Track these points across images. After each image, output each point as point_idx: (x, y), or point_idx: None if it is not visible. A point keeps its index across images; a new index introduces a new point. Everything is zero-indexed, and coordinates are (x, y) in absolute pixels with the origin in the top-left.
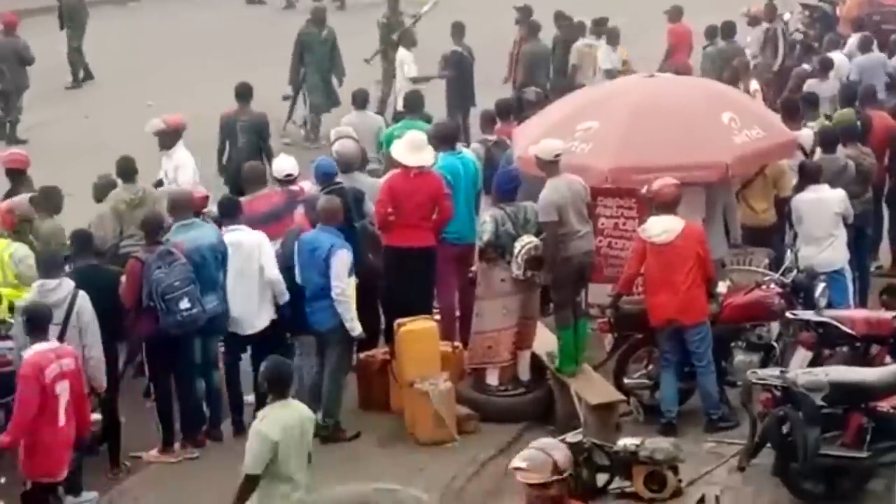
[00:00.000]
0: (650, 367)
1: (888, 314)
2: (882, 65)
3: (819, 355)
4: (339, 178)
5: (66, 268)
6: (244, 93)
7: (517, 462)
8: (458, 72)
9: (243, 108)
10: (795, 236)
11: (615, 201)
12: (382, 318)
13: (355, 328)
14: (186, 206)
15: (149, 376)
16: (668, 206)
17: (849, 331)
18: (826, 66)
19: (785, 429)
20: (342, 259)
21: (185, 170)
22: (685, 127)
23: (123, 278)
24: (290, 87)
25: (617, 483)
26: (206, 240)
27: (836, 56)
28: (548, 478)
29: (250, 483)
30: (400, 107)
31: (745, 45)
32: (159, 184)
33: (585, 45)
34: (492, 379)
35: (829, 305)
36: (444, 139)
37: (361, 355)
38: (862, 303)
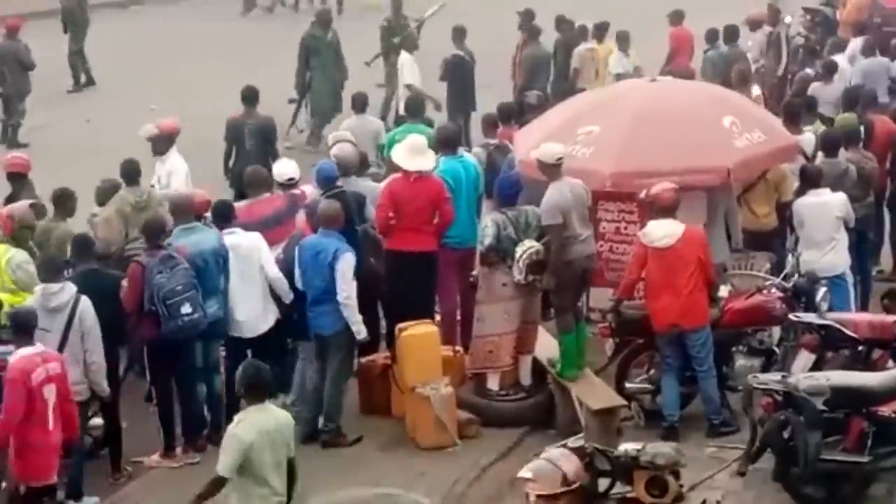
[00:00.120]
0: (651, 371)
1: (890, 318)
2: (885, 69)
3: (821, 359)
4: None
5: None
6: (251, 96)
7: (524, 472)
8: (459, 76)
9: (250, 111)
10: (797, 240)
11: (616, 205)
12: (382, 323)
13: (361, 331)
14: (188, 210)
15: (150, 381)
16: (667, 210)
17: (851, 334)
18: (830, 70)
19: (786, 433)
20: (348, 262)
21: (178, 175)
22: (686, 131)
23: (124, 282)
24: (293, 91)
25: (618, 488)
26: (208, 244)
27: (839, 60)
28: (556, 489)
29: (217, 484)
30: (402, 111)
31: (745, 50)
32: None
33: (587, 49)
34: (493, 384)
35: (831, 310)
36: (446, 143)
37: (363, 360)
38: (863, 307)
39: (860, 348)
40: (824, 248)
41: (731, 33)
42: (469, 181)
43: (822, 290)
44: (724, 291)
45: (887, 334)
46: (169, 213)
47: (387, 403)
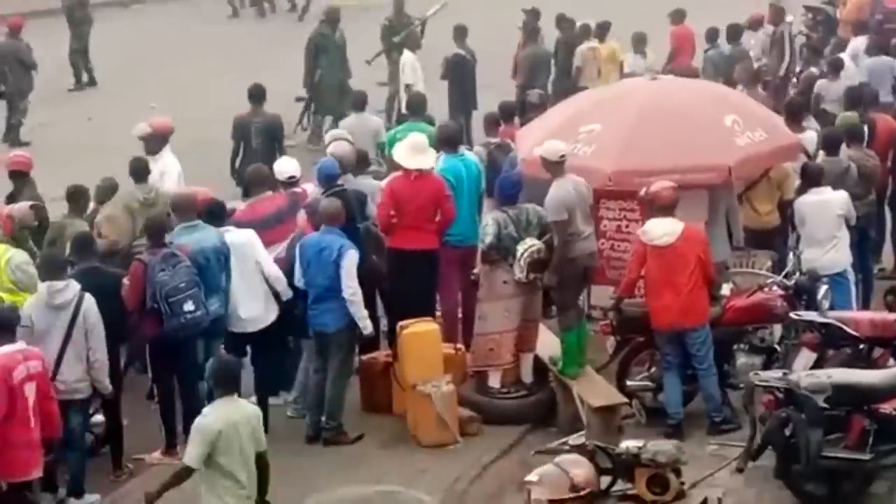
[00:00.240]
0: (652, 369)
1: (892, 316)
2: (890, 68)
3: (822, 357)
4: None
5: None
6: (258, 94)
7: (531, 476)
8: (460, 75)
9: (256, 109)
10: (798, 239)
11: (618, 204)
12: (383, 320)
13: (368, 326)
14: (190, 208)
15: (152, 378)
16: (666, 208)
17: (852, 332)
18: (837, 68)
19: (787, 431)
20: (352, 259)
21: (171, 175)
22: (688, 129)
23: (126, 280)
24: (297, 90)
25: (619, 485)
26: (210, 242)
27: (844, 58)
28: (563, 495)
29: (184, 473)
30: (403, 109)
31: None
32: None
33: (589, 48)
34: (494, 381)
35: (832, 308)
36: (447, 141)
37: (364, 358)
38: (865, 305)
39: (861, 346)
40: (826, 247)
41: (735, 32)
42: (470, 179)
43: (823, 288)
44: (725, 290)
45: (888, 332)
46: (170, 210)
47: (388, 401)
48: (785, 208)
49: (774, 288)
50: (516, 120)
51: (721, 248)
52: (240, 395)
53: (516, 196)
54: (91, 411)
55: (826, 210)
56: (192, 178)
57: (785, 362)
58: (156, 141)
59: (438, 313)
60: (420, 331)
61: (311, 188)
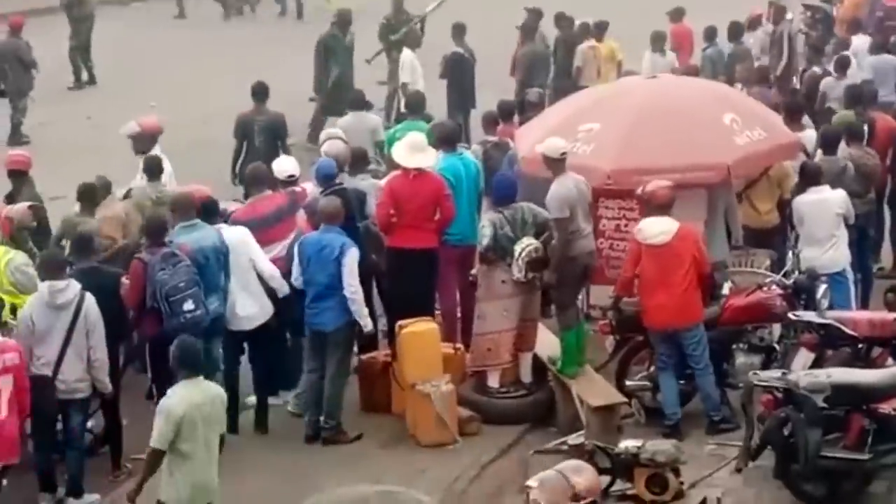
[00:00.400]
0: (652, 369)
1: (890, 316)
2: (894, 67)
3: (821, 357)
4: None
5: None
6: (261, 92)
7: (531, 481)
8: (459, 73)
9: (259, 107)
10: (797, 238)
11: (617, 202)
12: (382, 320)
13: (369, 324)
14: (189, 207)
15: (151, 378)
16: (662, 207)
17: (851, 332)
18: (844, 66)
19: (786, 431)
20: (354, 257)
21: (162, 176)
22: (687, 128)
23: (125, 279)
24: (298, 89)
25: (618, 485)
26: (209, 241)
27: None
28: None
29: (155, 457)
30: (402, 108)
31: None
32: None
33: (589, 47)
34: (493, 381)
35: (831, 307)
36: (445, 140)
37: (363, 357)
38: (864, 305)
39: (860, 346)
40: (825, 245)
41: (736, 31)
42: (469, 178)
43: (822, 287)
44: (724, 289)
45: (887, 332)
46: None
47: (387, 400)
48: (784, 207)
49: (773, 287)
50: (515, 119)
51: (720, 247)
52: (205, 378)
53: (512, 197)
54: (90, 411)
55: (825, 209)
56: (192, 178)
57: (784, 362)
58: (145, 140)
59: (437, 313)
60: (419, 330)
61: (310, 187)
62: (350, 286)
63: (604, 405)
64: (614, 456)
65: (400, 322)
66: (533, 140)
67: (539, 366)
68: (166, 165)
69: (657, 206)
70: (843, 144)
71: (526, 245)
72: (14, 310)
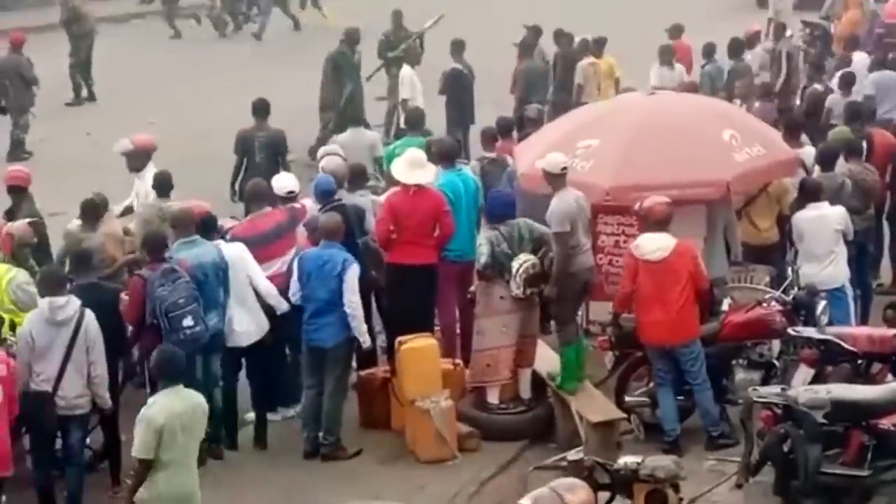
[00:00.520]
0: (651, 384)
1: (890, 332)
2: None
3: (821, 373)
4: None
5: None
6: (262, 108)
7: (524, 499)
8: (458, 90)
9: (261, 124)
10: (796, 254)
11: (616, 219)
12: (381, 336)
13: (367, 341)
14: (189, 223)
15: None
16: (660, 223)
17: (850, 348)
18: (849, 83)
19: (786, 447)
20: (356, 273)
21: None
22: (686, 145)
23: (124, 296)
24: (297, 106)
25: (618, 501)
26: (209, 257)
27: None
28: None
29: (142, 467)
30: (402, 124)
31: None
32: (130, 209)
33: (589, 64)
34: (492, 397)
35: (831, 323)
36: (444, 156)
37: (362, 373)
38: (863, 321)
39: (860, 362)
40: (824, 262)
41: (736, 48)
42: (468, 195)
43: (821, 304)
44: (724, 305)
45: (887, 348)
46: (169, 226)
47: (386, 416)
48: (783, 223)
49: (773, 303)
50: (514, 135)
51: (719, 263)
52: (186, 386)
53: (507, 213)
54: (89, 427)
55: (824, 225)
56: (191, 195)
57: (783, 378)
58: (138, 158)
59: (437, 328)
60: (418, 346)
61: (310, 204)
62: (351, 302)
63: (603, 421)
64: (613, 472)
65: (399, 338)
66: (532, 157)
67: (538, 382)
68: None
69: (654, 221)
70: (841, 160)
71: (523, 261)
72: (13, 327)
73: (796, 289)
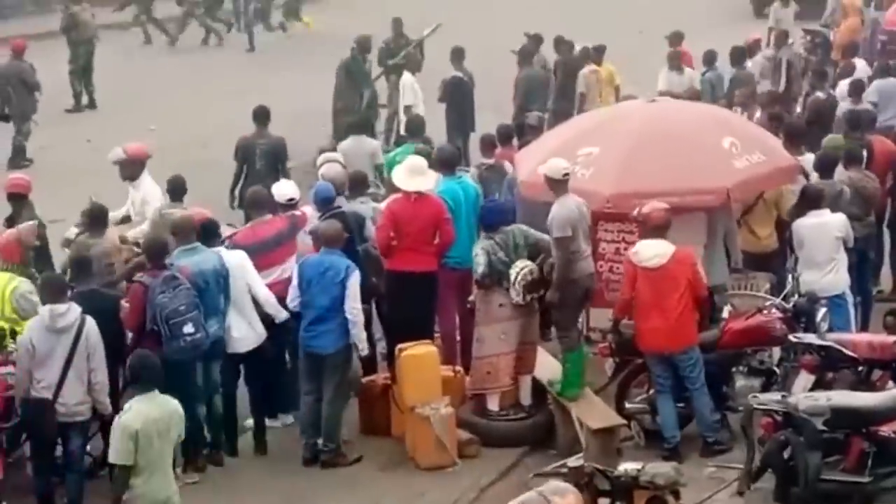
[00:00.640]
0: (651, 391)
1: (890, 338)
2: None
3: (821, 379)
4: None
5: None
6: (262, 115)
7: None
8: (458, 97)
9: (261, 131)
10: (797, 261)
11: (616, 226)
12: (381, 343)
13: (366, 349)
14: (190, 230)
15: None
16: (658, 230)
17: (851, 354)
18: (859, 90)
19: (786, 454)
20: (357, 280)
21: (153, 204)
22: (686, 152)
23: (125, 303)
24: (296, 112)
25: None
26: (209, 264)
27: (844, 83)
28: None
29: (121, 473)
30: (402, 131)
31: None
32: (126, 218)
33: (591, 72)
34: (492, 404)
35: (831, 330)
36: (444, 164)
37: (363, 380)
38: (864, 328)
39: (860, 368)
40: (824, 269)
41: (739, 56)
42: (468, 202)
43: (822, 311)
44: (724, 312)
45: (887, 354)
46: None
47: (387, 423)
48: (783, 229)
49: (773, 310)
50: (514, 142)
51: (719, 270)
52: (161, 392)
53: (501, 221)
54: (89, 434)
55: (824, 232)
56: (191, 201)
57: (784, 385)
58: (131, 166)
59: (437, 335)
60: (419, 353)
61: (310, 211)
62: (353, 309)
63: (603, 428)
64: (614, 478)
65: (399, 345)
66: (532, 164)
67: (539, 388)
68: (157, 192)
69: (652, 227)
70: (841, 168)
71: (521, 268)
72: (14, 335)
73: (797, 296)
